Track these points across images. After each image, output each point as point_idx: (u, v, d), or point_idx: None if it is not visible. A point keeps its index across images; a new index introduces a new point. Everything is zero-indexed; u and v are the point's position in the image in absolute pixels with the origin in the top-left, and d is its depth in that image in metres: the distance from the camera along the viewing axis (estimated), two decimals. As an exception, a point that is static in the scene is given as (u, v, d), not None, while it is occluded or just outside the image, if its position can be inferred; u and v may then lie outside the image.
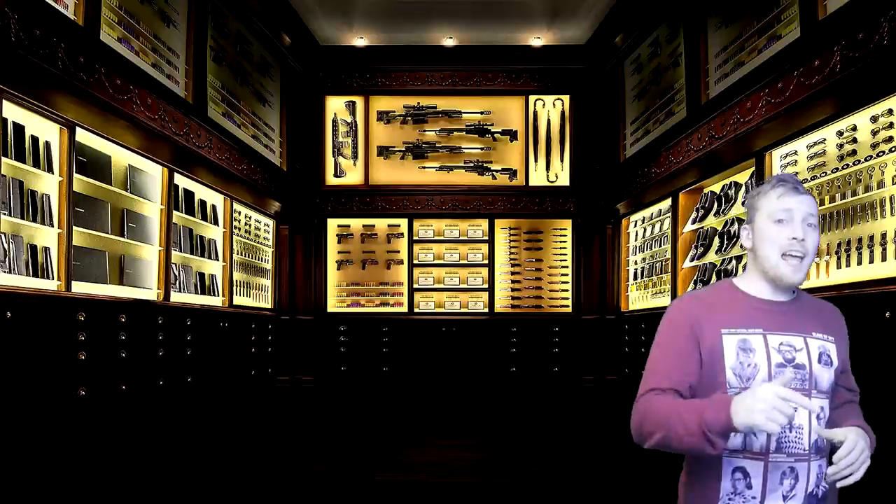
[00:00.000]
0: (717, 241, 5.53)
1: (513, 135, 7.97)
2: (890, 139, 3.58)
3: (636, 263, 7.26)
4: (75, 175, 4.03)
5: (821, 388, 1.35)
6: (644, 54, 6.76)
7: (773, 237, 1.38)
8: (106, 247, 4.50)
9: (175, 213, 5.26)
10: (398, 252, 7.99)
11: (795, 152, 4.40)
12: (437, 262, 7.98)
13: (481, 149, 8.01)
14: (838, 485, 1.27)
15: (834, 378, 1.38)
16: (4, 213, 3.52)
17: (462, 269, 7.98)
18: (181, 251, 5.46)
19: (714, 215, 5.55)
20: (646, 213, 7.03)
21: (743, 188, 5.23)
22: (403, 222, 7.97)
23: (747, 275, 1.47)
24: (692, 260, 5.83)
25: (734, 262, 5.20)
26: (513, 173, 7.97)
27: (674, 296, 5.99)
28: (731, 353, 1.35)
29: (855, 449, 1.24)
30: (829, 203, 4.06)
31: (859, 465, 1.25)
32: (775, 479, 1.32)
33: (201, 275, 5.89)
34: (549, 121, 7.99)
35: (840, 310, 1.52)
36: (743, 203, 4.20)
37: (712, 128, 5.15)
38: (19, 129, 3.66)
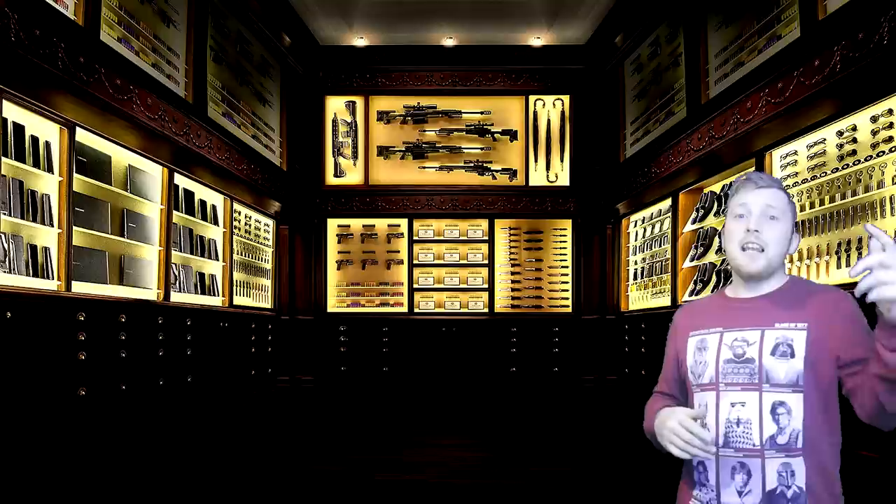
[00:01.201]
0: (717, 240, 5.54)
1: (513, 135, 7.97)
2: (890, 139, 3.58)
3: (636, 263, 7.26)
4: (75, 175, 4.03)
5: (775, 381, 1.28)
6: (644, 54, 6.76)
7: (732, 231, 1.41)
8: (106, 247, 4.50)
9: (175, 213, 5.26)
10: (398, 252, 7.99)
11: (795, 152, 4.40)
12: (437, 262, 7.98)
13: (481, 149, 8.01)
14: (872, 295, 1.00)
15: (804, 368, 1.27)
16: (4, 213, 3.52)
17: (462, 269, 7.98)
18: (181, 251, 5.46)
19: (714, 215, 5.55)
20: (646, 213, 7.03)
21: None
22: (403, 222, 7.97)
23: (732, 276, 1.53)
24: (692, 260, 5.83)
25: (734, 262, 5.20)
26: (513, 173, 7.97)
27: (674, 296, 5.99)
28: (690, 354, 1.44)
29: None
30: (829, 203, 4.06)
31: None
32: (726, 473, 1.32)
33: (201, 275, 5.89)
34: (549, 121, 7.98)
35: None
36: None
37: (712, 128, 5.15)
38: (19, 129, 3.66)
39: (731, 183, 5.39)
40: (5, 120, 3.48)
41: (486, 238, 7.97)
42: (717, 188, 5.64)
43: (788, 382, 1.28)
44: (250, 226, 6.97)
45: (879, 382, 1.14)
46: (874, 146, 3.69)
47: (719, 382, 1.35)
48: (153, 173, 5.01)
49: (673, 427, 1.28)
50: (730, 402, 1.33)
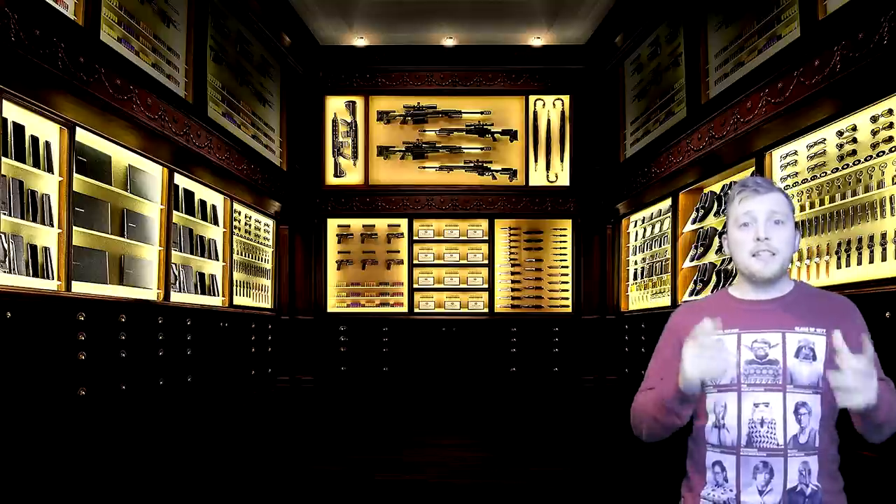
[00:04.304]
0: (717, 241, 5.54)
1: (513, 135, 7.97)
2: (890, 139, 3.58)
3: (636, 263, 7.27)
4: (75, 175, 4.03)
5: (798, 382, 1.34)
6: (644, 54, 6.77)
7: (740, 241, 1.42)
8: (106, 247, 4.50)
9: (175, 213, 5.26)
10: (398, 252, 7.99)
11: (795, 152, 4.40)
12: (437, 262, 7.98)
13: (481, 149, 8.01)
14: (843, 403, 1.22)
15: (823, 372, 1.34)
16: (4, 213, 3.52)
17: (462, 269, 7.98)
18: (181, 251, 5.46)
19: (714, 215, 5.55)
20: (646, 213, 7.03)
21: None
22: (403, 222, 7.97)
23: (737, 279, 1.53)
24: (692, 260, 5.83)
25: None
26: (513, 173, 7.97)
27: (674, 296, 5.99)
28: None
29: (861, 368, 1.19)
30: (829, 203, 4.06)
31: (862, 383, 1.20)
32: (748, 473, 1.34)
33: (201, 275, 5.89)
34: (549, 121, 7.99)
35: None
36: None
37: (712, 128, 5.15)
38: (19, 129, 3.66)
39: (731, 183, 5.39)
40: (5, 120, 3.48)
41: (486, 238, 7.97)
42: (717, 188, 5.64)
43: (810, 384, 1.34)
44: (250, 226, 6.98)
45: (857, 418, 1.30)
46: (874, 146, 3.69)
47: (742, 383, 1.36)
48: (153, 173, 5.01)
49: (693, 349, 1.27)
50: (753, 403, 1.35)
